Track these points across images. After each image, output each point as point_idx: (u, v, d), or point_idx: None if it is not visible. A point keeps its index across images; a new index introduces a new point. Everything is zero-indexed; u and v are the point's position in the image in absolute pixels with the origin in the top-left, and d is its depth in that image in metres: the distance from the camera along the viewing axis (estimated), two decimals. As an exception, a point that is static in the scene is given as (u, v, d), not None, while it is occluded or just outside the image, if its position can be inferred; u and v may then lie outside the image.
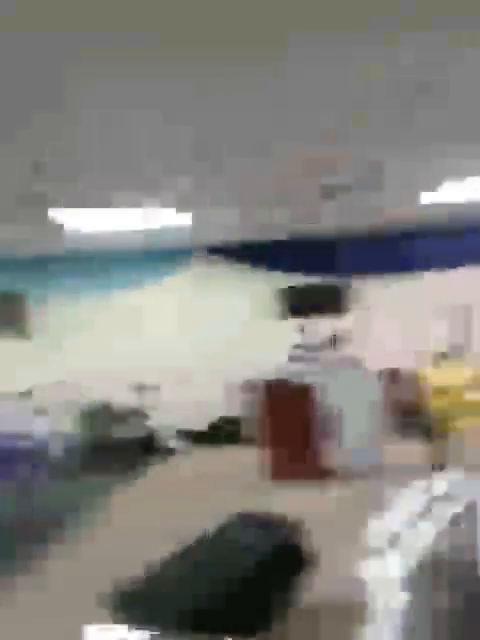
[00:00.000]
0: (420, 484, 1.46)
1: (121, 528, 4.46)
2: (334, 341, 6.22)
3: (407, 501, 1.21)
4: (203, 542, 2.91)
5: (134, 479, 6.25)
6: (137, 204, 5.95)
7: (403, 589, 1.02)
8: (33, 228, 6.76)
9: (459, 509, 1.23)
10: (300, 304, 8.16)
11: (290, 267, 8.22)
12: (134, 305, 8.31)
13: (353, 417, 5.74)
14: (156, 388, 7.86)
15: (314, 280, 8.20)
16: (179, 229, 7.02)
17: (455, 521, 1.19)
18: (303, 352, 6.31)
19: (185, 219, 6.57)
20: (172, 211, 6.27)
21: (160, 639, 0.97)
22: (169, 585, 2.66)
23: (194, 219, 6.61)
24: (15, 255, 7.90)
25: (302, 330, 6.62)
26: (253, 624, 2.55)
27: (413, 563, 1.04)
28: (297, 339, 6.60)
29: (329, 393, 5.78)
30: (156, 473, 6.65)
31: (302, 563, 3.03)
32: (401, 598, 1.02)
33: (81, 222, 6.51)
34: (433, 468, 3.39)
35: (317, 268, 8.18)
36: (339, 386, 5.75)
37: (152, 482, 6.20)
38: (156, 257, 8.24)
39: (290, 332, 7.01)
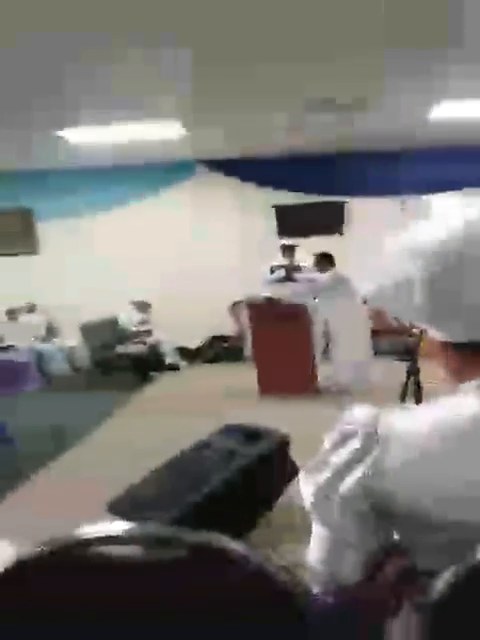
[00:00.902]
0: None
1: (113, 442, 4.73)
2: (322, 260, 6.23)
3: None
4: (188, 452, 3.17)
5: (135, 394, 6.52)
6: (136, 118, 5.96)
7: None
8: (37, 144, 6.80)
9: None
10: (296, 223, 8.23)
11: (289, 184, 8.23)
12: (134, 221, 8.38)
13: (343, 336, 5.99)
14: (153, 305, 8.08)
15: (312, 198, 8.24)
16: (177, 143, 7.02)
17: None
18: (285, 271, 6.41)
19: (182, 132, 6.57)
20: (169, 124, 6.28)
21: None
22: (152, 493, 2.89)
23: (192, 133, 6.62)
24: (19, 171, 7.92)
25: (286, 249, 6.67)
26: (237, 526, 2.80)
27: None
28: (280, 259, 6.66)
29: (319, 312, 5.99)
30: (156, 388, 6.91)
31: (286, 473, 3.29)
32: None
33: (82, 137, 6.51)
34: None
35: (316, 187, 8.19)
36: (328, 305, 5.94)
37: (151, 397, 6.47)
38: (155, 172, 8.24)
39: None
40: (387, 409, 1.06)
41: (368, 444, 1.00)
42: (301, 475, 1.08)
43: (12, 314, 8.25)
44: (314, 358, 5.84)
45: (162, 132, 6.57)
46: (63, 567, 0.99)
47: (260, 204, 8.27)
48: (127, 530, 0.99)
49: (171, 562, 0.97)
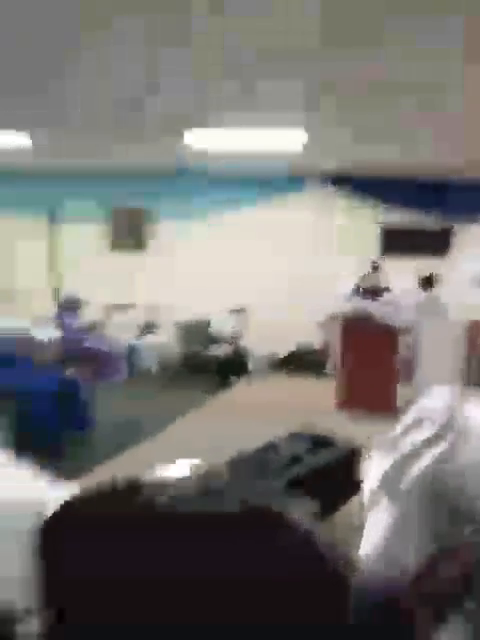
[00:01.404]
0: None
1: (182, 440, 4.79)
2: (426, 282, 6.14)
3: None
4: (252, 453, 3.15)
5: (215, 396, 6.60)
6: (253, 123, 5.94)
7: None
8: (158, 145, 6.95)
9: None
10: (401, 243, 8.05)
11: (398, 203, 8.08)
12: (241, 227, 8.47)
13: (432, 360, 5.79)
14: (247, 311, 8.14)
15: (419, 219, 8.05)
16: (292, 154, 7.02)
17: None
18: (365, 290, 6.32)
19: (297, 144, 6.56)
20: (286, 134, 6.25)
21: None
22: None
23: (309, 145, 6.57)
24: (134, 171, 8.20)
25: (373, 268, 6.59)
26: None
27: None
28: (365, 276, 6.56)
29: (411, 334, 5.82)
30: (235, 392, 6.98)
31: (351, 485, 3.19)
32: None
33: (203, 140, 6.63)
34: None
35: (427, 207, 7.99)
36: (421, 328, 5.78)
37: (229, 400, 6.53)
38: (268, 181, 8.29)
39: (390, 270, 6.99)
40: (469, 395, 1.01)
41: (444, 432, 0.96)
42: (371, 453, 1.04)
43: (114, 308, 8.56)
44: (403, 378, 5.69)
45: (282, 141, 6.58)
46: (118, 510, 0.99)
47: (366, 222, 8.18)
48: (183, 478, 1.03)
49: (224, 518, 0.94)
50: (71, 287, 8.03)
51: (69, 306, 7.30)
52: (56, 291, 8.42)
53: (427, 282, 6.14)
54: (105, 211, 8.88)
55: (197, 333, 7.96)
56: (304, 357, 8.17)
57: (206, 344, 7.87)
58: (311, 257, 8.26)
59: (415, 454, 0.99)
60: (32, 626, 1.14)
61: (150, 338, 8.38)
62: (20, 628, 1.17)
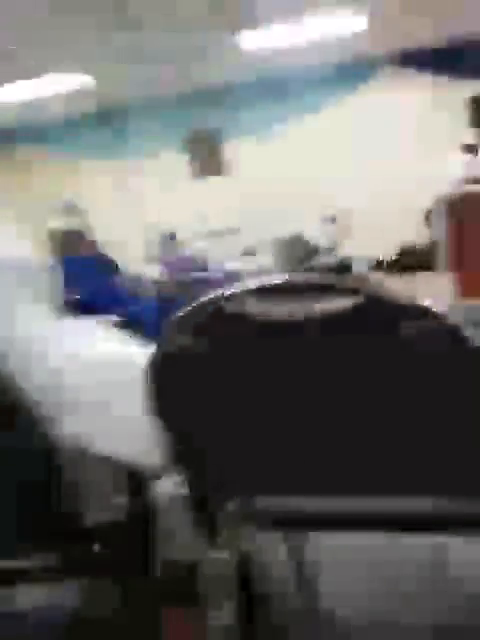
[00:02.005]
0: None
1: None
2: None
3: None
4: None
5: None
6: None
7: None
8: (209, 52, 6.57)
9: None
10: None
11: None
12: (315, 130, 8.00)
13: None
14: (343, 216, 7.74)
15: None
16: (357, 37, 6.42)
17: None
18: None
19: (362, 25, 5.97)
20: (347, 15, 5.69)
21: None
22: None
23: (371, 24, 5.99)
24: (195, 89, 7.84)
25: (468, 148, 5.88)
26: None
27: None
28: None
29: None
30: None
31: None
32: None
33: (259, 40, 6.18)
34: None
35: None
36: None
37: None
38: (334, 75, 7.71)
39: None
40: None
41: None
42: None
43: (210, 235, 8.40)
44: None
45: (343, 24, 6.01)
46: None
47: (458, 99, 7.42)
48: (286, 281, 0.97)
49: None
50: (160, 223, 7.93)
51: (168, 242, 7.24)
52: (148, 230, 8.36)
53: None
54: (178, 141, 8.57)
55: (294, 247, 7.68)
56: (413, 256, 7.71)
57: (304, 257, 7.58)
58: (396, 151, 7.66)
59: None
60: (167, 484, 1.17)
61: (252, 259, 8.18)
62: (155, 487, 1.21)
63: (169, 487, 1.20)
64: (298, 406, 1.03)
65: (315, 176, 7.90)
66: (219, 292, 1.04)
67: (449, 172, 5.84)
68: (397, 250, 7.87)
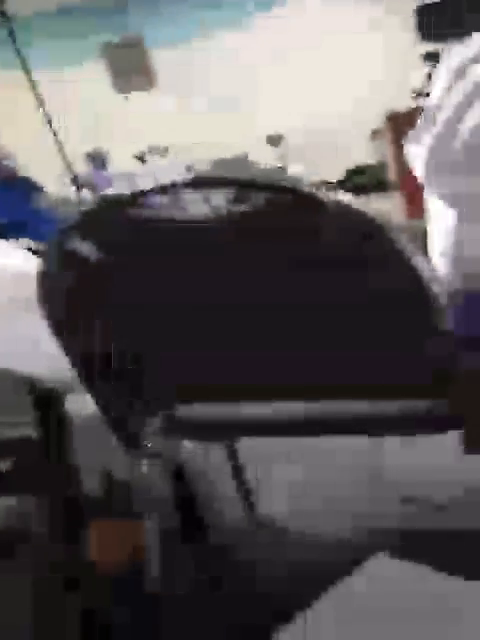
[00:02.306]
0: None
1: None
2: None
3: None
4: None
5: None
6: None
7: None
8: None
9: None
10: (443, 22, 6.99)
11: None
12: (256, 40, 7.66)
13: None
14: (286, 138, 7.55)
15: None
16: None
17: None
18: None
19: None
20: None
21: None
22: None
23: None
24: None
25: (429, 58, 5.71)
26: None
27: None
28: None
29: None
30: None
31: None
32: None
33: None
34: None
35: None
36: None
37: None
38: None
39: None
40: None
41: None
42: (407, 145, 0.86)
43: (143, 158, 8.07)
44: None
45: None
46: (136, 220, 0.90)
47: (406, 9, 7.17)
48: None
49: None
50: (84, 139, 7.49)
51: (97, 161, 6.90)
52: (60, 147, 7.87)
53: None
54: (100, 48, 7.78)
55: (237, 170, 7.48)
56: (361, 176, 7.61)
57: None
58: (343, 65, 7.42)
59: (463, 108, 0.81)
60: (79, 402, 1.12)
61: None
62: (67, 405, 1.16)
63: (84, 403, 1.14)
64: (211, 311, 0.93)
65: (255, 92, 7.62)
66: (122, 193, 0.94)
67: (403, 87, 5.69)
68: (344, 172, 7.79)
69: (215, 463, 1.48)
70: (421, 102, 5.28)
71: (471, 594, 1.06)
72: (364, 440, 1.22)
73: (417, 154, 0.91)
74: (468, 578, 1.11)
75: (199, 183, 0.87)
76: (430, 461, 1.48)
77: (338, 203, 0.81)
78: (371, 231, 0.83)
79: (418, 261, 0.82)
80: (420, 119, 0.95)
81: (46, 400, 1.10)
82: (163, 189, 0.87)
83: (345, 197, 6.61)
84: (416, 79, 5.77)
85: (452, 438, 1.07)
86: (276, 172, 7.20)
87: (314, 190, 0.83)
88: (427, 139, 0.86)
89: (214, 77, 7.76)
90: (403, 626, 1.03)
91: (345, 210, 0.81)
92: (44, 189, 5.05)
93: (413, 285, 0.84)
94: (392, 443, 1.30)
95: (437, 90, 0.84)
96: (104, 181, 6.51)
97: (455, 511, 1.39)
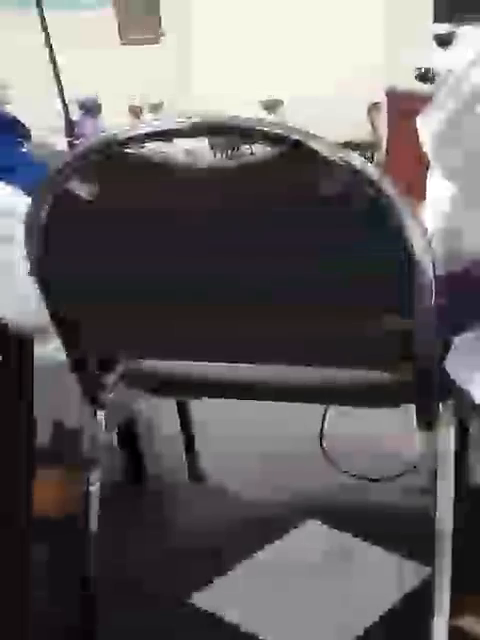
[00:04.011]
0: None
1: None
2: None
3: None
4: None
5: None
6: None
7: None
8: None
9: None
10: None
11: None
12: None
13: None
14: (282, 104, 7.45)
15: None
16: None
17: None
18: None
19: None
20: None
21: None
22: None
23: None
24: None
25: (441, 41, 5.61)
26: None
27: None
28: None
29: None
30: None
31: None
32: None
33: None
34: None
35: None
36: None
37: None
38: None
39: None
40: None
41: None
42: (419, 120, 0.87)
43: (135, 112, 7.93)
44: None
45: None
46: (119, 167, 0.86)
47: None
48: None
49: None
50: (79, 87, 7.31)
51: (87, 109, 6.76)
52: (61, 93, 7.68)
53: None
54: None
55: (228, 133, 7.36)
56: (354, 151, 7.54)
57: (239, 144, 7.31)
58: (345, 34, 7.30)
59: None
60: (50, 346, 1.12)
61: (181, 143, 7.81)
62: (36, 348, 1.15)
63: (51, 349, 1.14)
64: (196, 263, 0.92)
65: (255, 54, 7.48)
66: (110, 133, 0.88)
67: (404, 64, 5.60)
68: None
69: (164, 417, 1.50)
70: (425, 85, 5.22)
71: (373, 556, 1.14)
72: (307, 409, 1.25)
73: (428, 125, 0.90)
74: (393, 551, 1.17)
75: (198, 129, 0.85)
76: (369, 433, 1.52)
77: (342, 157, 0.79)
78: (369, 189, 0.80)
79: (413, 229, 0.80)
80: (436, 91, 0.95)
81: (10, 344, 1.10)
82: (161, 133, 0.84)
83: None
84: (419, 55, 5.69)
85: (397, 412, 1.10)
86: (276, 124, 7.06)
87: (320, 141, 0.80)
88: (441, 113, 0.88)
89: (212, 37, 7.61)
90: (311, 583, 1.11)
91: (348, 165, 0.80)
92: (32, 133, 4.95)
93: (403, 251, 0.81)
94: (333, 413, 1.34)
95: (457, 65, 0.85)
96: (94, 130, 6.40)
97: (388, 485, 1.43)
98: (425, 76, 5.48)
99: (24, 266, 0.98)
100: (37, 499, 1.11)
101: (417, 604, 1.11)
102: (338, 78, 7.26)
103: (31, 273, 0.97)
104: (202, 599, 1.17)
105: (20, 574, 1.05)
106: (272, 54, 7.47)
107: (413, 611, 1.13)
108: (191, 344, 1.04)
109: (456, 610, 1.03)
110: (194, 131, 0.85)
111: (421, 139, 0.94)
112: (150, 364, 1.17)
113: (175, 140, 0.89)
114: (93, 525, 1.14)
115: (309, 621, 1.11)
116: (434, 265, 0.82)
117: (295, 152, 0.80)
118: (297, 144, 0.79)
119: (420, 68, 5.53)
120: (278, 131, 0.79)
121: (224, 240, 0.89)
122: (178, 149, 0.89)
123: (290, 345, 0.99)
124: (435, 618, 1.00)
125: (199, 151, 0.86)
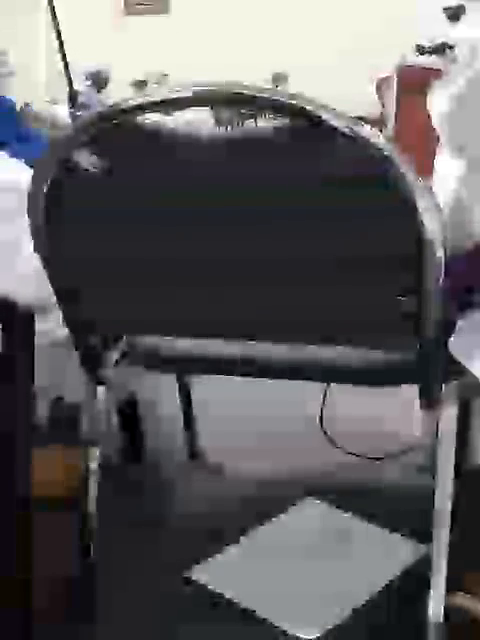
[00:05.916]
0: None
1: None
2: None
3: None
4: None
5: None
6: None
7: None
8: None
9: None
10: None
11: None
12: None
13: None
14: (286, 79, 7.35)
15: None
16: None
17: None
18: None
19: None
20: None
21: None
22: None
23: None
24: None
25: (451, 15, 5.52)
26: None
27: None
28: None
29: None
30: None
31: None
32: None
33: None
34: None
35: None
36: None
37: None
38: None
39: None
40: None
41: None
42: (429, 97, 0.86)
43: (141, 85, 7.82)
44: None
45: None
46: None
47: None
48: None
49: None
50: (84, 61, 7.22)
51: (92, 82, 6.67)
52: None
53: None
54: None
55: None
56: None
57: (245, 118, 7.22)
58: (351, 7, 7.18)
59: None
60: (51, 322, 1.10)
61: (186, 115, 7.71)
62: (39, 325, 1.12)
63: (53, 324, 1.13)
64: (200, 238, 0.91)
65: (261, 29, 7.39)
66: (116, 102, 0.88)
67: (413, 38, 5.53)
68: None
69: (168, 397, 1.50)
70: (431, 59, 5.15)
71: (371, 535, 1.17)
72: (307, 389, 1.25)
73: (438, 102, 0.89)
74: (391, 530, 1.18)
75: (205, 98, 0.85)
76: (369, 412, 1.52)
77: (351, 129, 0.80)
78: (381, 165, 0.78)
79: (426, 208, 0.78)
80: (446, 67, 0.94)
81: (13, 319, 1.09)
82: (168, 102, 0.84)
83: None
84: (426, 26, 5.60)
85: (398, 392, 1.09)
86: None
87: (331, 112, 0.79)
88: (452, 89, 0.86)
89: (219, 11, 7.49)
90: (309, 560, 1.13)
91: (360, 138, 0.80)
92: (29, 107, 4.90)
93: (414, 229, 0.80)
94: (333, 394, 1.34)
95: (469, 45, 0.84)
96: (98, 102, 6.32)
97: (387, 464, 1.44)
98: (434, 50, 5.42)
99: (27, 241, 0.96)
100: (36, 478, 1.11)
101: (415, 582, 1.12)
102: (344, 51, 7.15)
103: (34, 246, 0.96)
104: (201, 576, 1.18)
105: (21, 554, 1.05)
106: (276, 24, 7.36)
107: (411, 588, 1.13)
108: (195, 321, 1.03)
109: (453, 588, 1.03)
110: (200, 101, 0.86)
111: (431, 116, 0.93)
112: (152, 340, 1.16)
113: (179, 112, 0.86)
114: (92, 504, 1.14)
115: (307, 598, 1.12)
116: (445, 245, 0.81)
117: (311, 127, 0.79)
118: (318, 120, 0.79)
119: (421, 44, 5.50)
120: (303, 105, 0.79)
121: (231, 214, 0.88)
122: (182, 122, 0.87)
123: (294, 323, 0.98)
124: (432, 595, 1.01)
125: (204, 124, 0.84)
